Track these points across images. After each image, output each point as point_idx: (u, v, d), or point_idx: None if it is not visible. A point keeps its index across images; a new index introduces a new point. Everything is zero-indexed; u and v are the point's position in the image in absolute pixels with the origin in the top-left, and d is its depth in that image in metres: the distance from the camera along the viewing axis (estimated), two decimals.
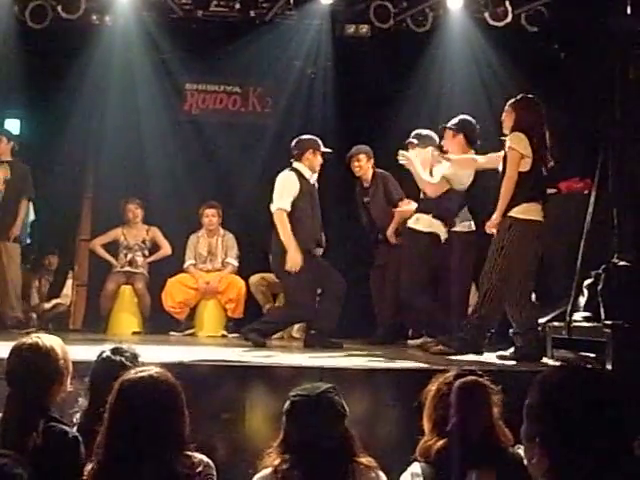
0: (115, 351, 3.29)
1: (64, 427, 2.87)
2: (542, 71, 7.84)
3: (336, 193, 8.45)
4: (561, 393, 1.69)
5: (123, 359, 3.24)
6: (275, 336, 7.85)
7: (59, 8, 8.00)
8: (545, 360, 5.50)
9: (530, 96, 5.66)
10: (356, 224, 7.59)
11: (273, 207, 6.49)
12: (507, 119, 5.61)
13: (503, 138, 5.59)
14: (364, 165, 7.23)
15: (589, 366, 1.90)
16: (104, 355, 3.29)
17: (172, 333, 7.89)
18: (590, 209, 6.00)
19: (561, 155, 7.09)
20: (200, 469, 2.60)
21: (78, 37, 8.13)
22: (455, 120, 6.34)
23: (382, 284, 7.19)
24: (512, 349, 5.51)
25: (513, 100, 5.65)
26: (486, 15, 8.03)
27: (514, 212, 5.41)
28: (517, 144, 5.40)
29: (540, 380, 1.75)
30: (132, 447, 2.52)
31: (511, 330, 5.60)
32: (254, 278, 8.01)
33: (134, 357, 3.31)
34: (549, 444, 1.66)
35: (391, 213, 7.12)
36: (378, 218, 7.22)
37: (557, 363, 5.36)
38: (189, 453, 2.62)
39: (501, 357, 5.47)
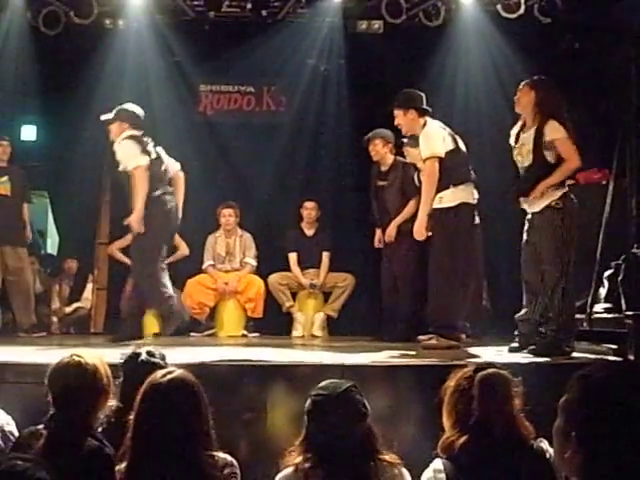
0: (150, 353, 3.33)
1: (99, 443, 2.85)
2: (557, 62, 7.80)
3: (352, 188, 8.47)
4: (604, 391, 1.67)
5: (159, 360, 3.28)
6: (295, 334, 7.90)
7: (72, 13, 8.08)
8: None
9: (546, 78, 5.48)
10: (367, 221, 7.56)
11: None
12: (524, 98, 5.36)
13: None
14: (380, 150, 7.23)
15: (630, 362, 1.87)
16: (142, 358, 3.31)
17: (192, 334, 7.91)
18: (608, 200, 5.97)
19: (578, 146, 7.08)
20: (225, 469, 2.62)
21: (91, 41, 8.18)
22: (399, 97, 6.30)
23: (392, 278, 7.15)
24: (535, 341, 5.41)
25: (530, 80, 5.42)
26: (498, 7, 8.02)
27: (559, 198, 5.20)
28: (559, 131, 5.17)
29: (581, 377, 1.73)
30: (158, 448, 2.55)
31: (517, 316, 5.49)
32: (273, 277, 8.03)
33: (163, 358, 3.35)
34: (586, 440, 1.64)
35: (403, 204, 7.08)
36: (391, 204, 7.18)
37: (580, 355, 5.32)
38: (213, 453, 2.64)
39: (513, 349, 5.40)
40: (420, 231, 6.01)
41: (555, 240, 5.17)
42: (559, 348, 5.10)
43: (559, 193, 5.19)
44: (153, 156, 6.48)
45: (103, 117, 6.55)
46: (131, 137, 6.42)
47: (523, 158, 5.34)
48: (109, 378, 3.05)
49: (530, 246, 5.36)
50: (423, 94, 6.31)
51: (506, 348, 5.44)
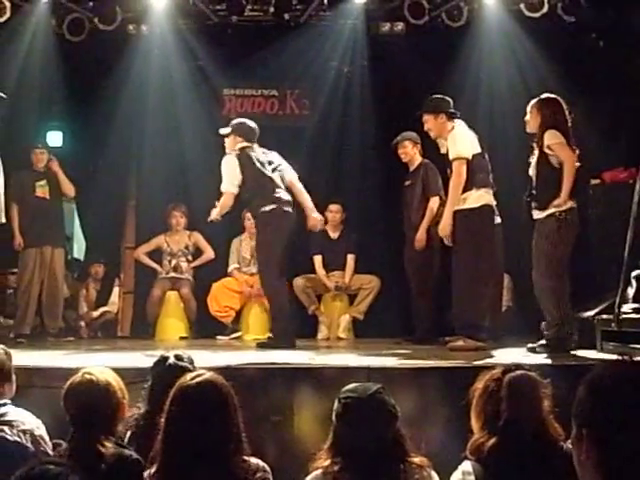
0: (178, 357, 3.34)
1: (125, 450, 2.88)
2: (581, 61, 7.75)
3: (377, 190, 8.46)
4: (610, 391, 1.67)
5: (187, 364, 3.29)
6: (321, 336, 7.90)
7: (96, 20, 8.15)
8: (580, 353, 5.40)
9: (553, 96, 5.62)
10: (394, 220, 7.55)
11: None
12: (532, 119, 5.59)
13: (531, 140, 5.58)
14: (409, 151, 7.27)
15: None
16: (170, 361, 3.33)
17: (219, 337, 7.93)
18: (635, 198, 5.91)
19: (604, 145, 7.04)
20: (257, 473, 2.62)
21: (115, 48, 8.25)
22: (429, 103, 6.37)
23: (420, 280, 7.14)
24: (542, 341, 5.45)
25: (536, 100, 5.61)
26: (522, 6, 7.98)
27: (564, 210, 5.34)
28: (557, 138, 5.38)
29: (587, 378, 1.73)
30: (189, 452, 2.55)
31: (543, 323, 5.53)
32: (298, 280, 8.03)
33: (192, 362, 3.36)
34: (596, 440, 1.64)
35: (423, 204, 7.07)
36: (411, 203, 7.19)
37: (599, 355, 5.30)
38: (245, 457, 2.64)
39: (531, 350, 5.43)
40: (445, 229, 6.04)
41: (548, 243, 5.36)
42: (560, 347, 5.23)
43: (566, 207, 5.36)
44: (268, 172, 6.49)
45: (222, 130, 6.66)
46: (243, 149, 6.49)
47: (532, 170, 5.56)
48: (122, 390, 3.06)
49: (533, 252, 5.51)
50: (450, 99, 6.35)
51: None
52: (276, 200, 6.35)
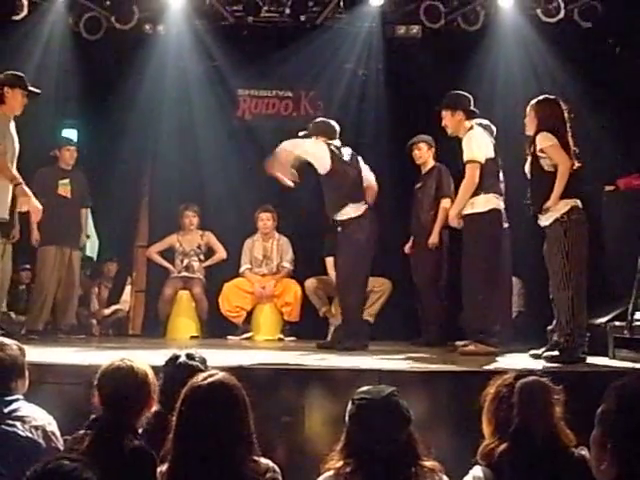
0: (190, 356, 3.36)
1: (141, 443, 2.89)
2: (597, 67, 7.73)
3: (390, 193, 8.44)
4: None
5: (198, 364, 3.30)
6: (332, 338, 7.89)
7: (112, 19, 8.19)
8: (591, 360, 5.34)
9: (551, 97, 5.56)
10: (407, 223, 7.55)
11: None
12: (529, 122, 5.53)
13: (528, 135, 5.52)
14: (424, 153, 7.31)
15: None
16: (181, 360, 3.34)
17: (229, 337, 7.95)
18: None
19: (618, 152, 7.02)
20: (267, 474, 2.62)
21: (132, 47, 8.28)
22: (447, 99, 6.34)
23: (428, 283, 7.14)
24: (552, 349, 5.36)
25: (534, 102, 5.54)
26: (538, 11, 7.97)
27: (566, 212, 5.27)
28: (549, 140, 5.31)
29: (618, 387, 1.71)
30: (200, 451, 2.55)
31: (549, 327, 5.48)
32: (310, 281, 8.03)
33: (203, 362, 3.37)
34: (622, 452, 1.62)
35: (435, 208, 7.07)
36: (422, 207, 7.21)
37: (611, 362, 5.27)
38: (256, 458, 2.64)
39: (535, 356, 5.39)
40: (454, 218, 6.06)
41: (559, 252, 5.26)
42: (571, 356, 5.12)
43: (567, 207, 5.28)
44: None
45: (301, 134, 6.77)
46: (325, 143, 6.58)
47: (527, 172, 5.53)
48: (155, 385, 3.10)
49: (546, 260, 5.43)
50: (471, 96, 6.32)
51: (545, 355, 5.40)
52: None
